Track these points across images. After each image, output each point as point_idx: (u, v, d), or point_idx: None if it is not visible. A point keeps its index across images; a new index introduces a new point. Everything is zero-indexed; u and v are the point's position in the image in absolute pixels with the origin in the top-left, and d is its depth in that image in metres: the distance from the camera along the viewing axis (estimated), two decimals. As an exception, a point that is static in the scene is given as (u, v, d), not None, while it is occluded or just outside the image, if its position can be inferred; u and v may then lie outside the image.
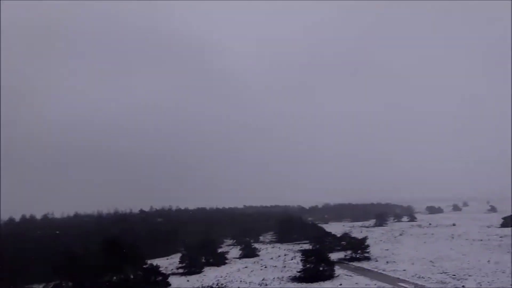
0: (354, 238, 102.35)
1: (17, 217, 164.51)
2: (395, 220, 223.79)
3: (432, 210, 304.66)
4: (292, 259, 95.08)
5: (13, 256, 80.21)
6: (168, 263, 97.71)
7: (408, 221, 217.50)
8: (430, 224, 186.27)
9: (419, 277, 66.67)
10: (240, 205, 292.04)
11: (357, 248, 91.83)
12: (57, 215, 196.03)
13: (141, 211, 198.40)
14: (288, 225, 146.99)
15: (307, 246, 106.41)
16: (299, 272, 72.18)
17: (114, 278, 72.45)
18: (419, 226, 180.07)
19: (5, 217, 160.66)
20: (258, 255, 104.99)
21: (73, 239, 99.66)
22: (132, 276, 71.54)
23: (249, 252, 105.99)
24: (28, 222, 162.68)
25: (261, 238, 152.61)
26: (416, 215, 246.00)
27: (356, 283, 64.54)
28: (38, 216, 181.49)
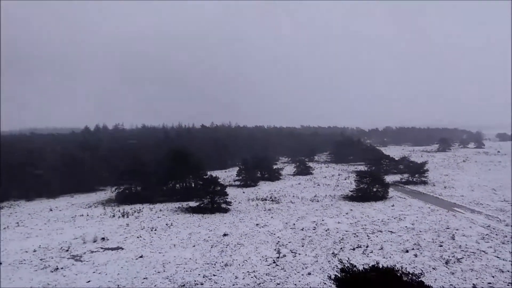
0: (412, 162, 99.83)
1: (91, 127, 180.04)
2: (461, 146, 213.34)
3: (503, 137, 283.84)
4: (345, 179, 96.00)
5: (89, 162, 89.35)
6: (226, 175, 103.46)
7: (475, 147, 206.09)
8: (498, 152, 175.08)
9: (477, 204, 64.49)
10: (297, 125, 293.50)
11: (415, 172, 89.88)
12: (127, 126, 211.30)
13: (203, 126, 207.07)
14: (344, 146, 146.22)
15: (362, 168, 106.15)
16: (351, 191, 73.02)
17: (177, 185, 78.95)
18: (486, 153, 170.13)
19: (81, 126, 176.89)
20: (311, 174, 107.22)
21: (141, 148, 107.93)
22: (193, 185, 77.42)
23: (303, 170, 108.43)
24: (101, 132, 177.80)
25: (316, 157, 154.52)
26: (485, 142, 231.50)
27: (409, 205, 64.21)
28: (110, 126, 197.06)
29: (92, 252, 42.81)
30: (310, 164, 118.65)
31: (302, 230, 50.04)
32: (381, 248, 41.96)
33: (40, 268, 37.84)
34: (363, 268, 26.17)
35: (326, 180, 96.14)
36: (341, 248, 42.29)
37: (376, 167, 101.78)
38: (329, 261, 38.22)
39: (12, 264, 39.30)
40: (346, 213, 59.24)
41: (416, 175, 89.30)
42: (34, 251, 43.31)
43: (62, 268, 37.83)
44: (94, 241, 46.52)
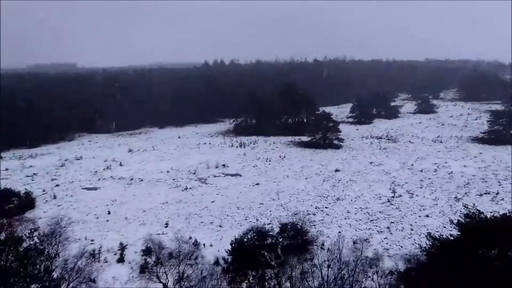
0: None
1: (210, 61, 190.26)
2: None
3: None
4: (476, 119, 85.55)
5: (210, 95, 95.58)
6: (338, 111, 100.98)
7: None
8: None
9: None
10: (421, 58, 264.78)
11: None
12: (242, 61, 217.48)
13: (315, 61, 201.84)
14: (477, 82, 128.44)
15: (498, 107, 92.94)
16: (482, 133, 65.11)
17: (290, 120, 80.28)
18: None
19: (201, 60, 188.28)
20: (435, 112, 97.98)
21: (255, 83, 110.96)
22: (305, 120, 77.82)
23: (425, 108, 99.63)
24: (218, 66, 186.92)
25: (442, 94, 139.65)
26: None
27: (558, 153, 54.87)
28: (227, 61, 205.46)
29: (215, 176, 47.24)
30: (434, 101, 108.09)
31: (421, 171, 47.11)
32: (516, 197, 37.39)
33: (173, 187, 43.42)
34: (492, 215, 23.71)
35: (452, 119, 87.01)
36: (466, 193, 38.91)
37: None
38: (450, 206, 35.69)
39: (151, 181, 45.82)
40: (475, 157, 53.53)
41: None
42: (168, 172, 49.57)
43: (191, 188, 42.81)
44: (216, 167, 51.05)
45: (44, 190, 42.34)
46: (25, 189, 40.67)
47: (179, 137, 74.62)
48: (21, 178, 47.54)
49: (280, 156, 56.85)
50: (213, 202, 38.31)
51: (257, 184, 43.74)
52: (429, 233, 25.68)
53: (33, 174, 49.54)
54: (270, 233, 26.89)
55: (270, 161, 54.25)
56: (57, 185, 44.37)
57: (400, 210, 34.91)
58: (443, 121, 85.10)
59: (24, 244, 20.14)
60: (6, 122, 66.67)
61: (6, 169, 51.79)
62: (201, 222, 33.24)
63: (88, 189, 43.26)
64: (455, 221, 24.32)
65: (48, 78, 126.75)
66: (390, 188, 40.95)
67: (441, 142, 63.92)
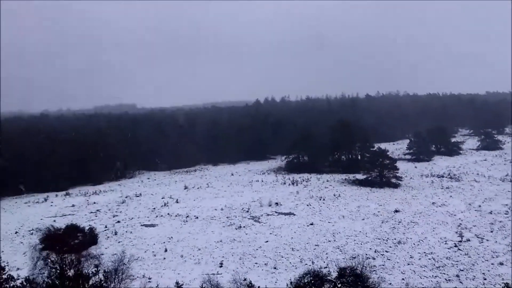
0: None
1: (261, 99, 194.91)
2: None
3: None
4: (550, 156, 78.56)
5: (262, 133, 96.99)
6: (394, 148, 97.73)
7: None
8: None
9: None
10: (482, 91, 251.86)
11: None
12: (292, 98, 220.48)
13: (367, 96, 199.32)
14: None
15: None
16: (559, 171, 59.45)
17: (343, 157, 78.77)
18: None
19: (253, 98, 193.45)
20: (501, 148, 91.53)
21: (306, 120, 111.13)
22: (359, 157, 75.92)
23: (489, 144, 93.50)
24: (269, 104, 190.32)
25: (507, 130, 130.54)
26: None
27: None
28: (277, 98, 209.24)
29: (268, 215, 46.90)
30: (499, 137, 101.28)
31: (491, 213, 43.56)
32: None
33: (227, 225, 43.58)
34: None
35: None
36: (546, 240, 35.15)
37: None
38: (528, 253, 32.32)
39: (206, 219, 46.39)
40: (552, 198, 48.71)
41: None
42: (222, 209, 50.05)
43: (244, 226, 42.71)
44: (269, 205, 50.78)
45: (106, 226, 44.32)
46: (89, 225, 42.92)
47: (232, 174, 75.67)
48: (85, 214, 50.33)
49: (334, 195, 55.45)
50: (267, 242, 37.79)
51: (311, 224, 42.71)
52: (506, 284, 23.28)
53: (97, 210, 52.31)
54: (328, 277, 25.77)
55: (324, 199, 53.05)
56: (118, 222, 46.32)
57: (469, 257, 32.17)
58: (510, 158, 79.02)
59: (90, 282, 20.97)
60: (74, 160, 71.74)
61: (73, 205, 55.24)
62: (256, 263, 32.75)
63: (146, 225, 44.67)
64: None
65: (112, 119, 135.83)
66: (456, 232, 38.09)
67: (510, 181, 59.10)
